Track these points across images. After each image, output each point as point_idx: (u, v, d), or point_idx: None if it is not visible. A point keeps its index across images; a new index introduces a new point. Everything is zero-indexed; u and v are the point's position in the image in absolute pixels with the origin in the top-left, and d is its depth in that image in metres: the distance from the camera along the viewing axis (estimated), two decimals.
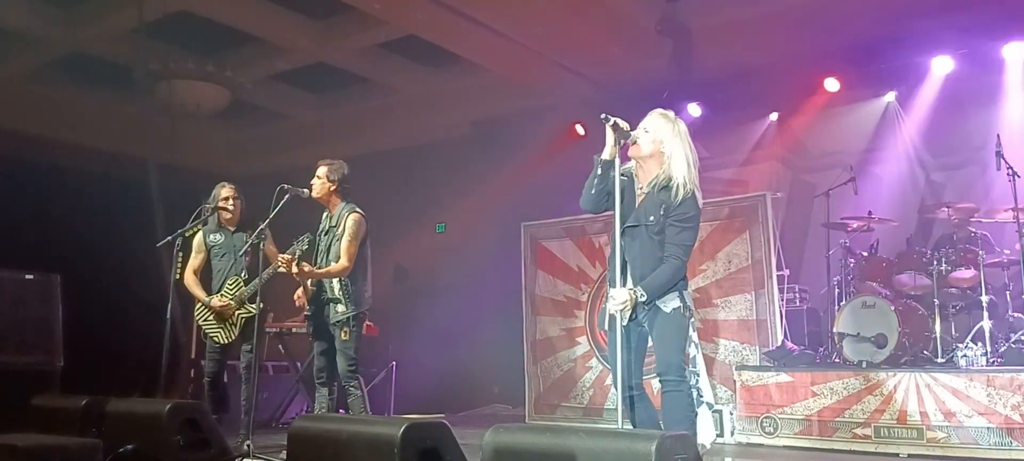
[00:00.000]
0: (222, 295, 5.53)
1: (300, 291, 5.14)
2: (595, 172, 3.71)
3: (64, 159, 8.72)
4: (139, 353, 7.28)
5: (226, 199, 5.63)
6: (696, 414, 3.64)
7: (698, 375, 3.69)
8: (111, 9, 7.42)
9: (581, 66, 8.19)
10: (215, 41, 8.02)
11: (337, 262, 5.01)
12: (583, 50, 7.87)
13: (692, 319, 3.67)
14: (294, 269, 4.89)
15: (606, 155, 3.67)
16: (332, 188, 5.16)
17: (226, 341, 5.55)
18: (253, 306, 5.46)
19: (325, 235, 5.18)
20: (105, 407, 4.71)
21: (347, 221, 5.07)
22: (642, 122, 3.76)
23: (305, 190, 5.14)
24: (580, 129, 8.66)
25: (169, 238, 5.43)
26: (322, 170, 5.17)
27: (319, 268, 5.05)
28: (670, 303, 3.60)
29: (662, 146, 3.67)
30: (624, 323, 3.51)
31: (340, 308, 5.03)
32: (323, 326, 5.10)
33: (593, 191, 3.74)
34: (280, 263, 5.03)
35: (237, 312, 5.52)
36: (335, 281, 5.05)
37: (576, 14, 7.32)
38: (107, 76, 8.48)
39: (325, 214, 5.26)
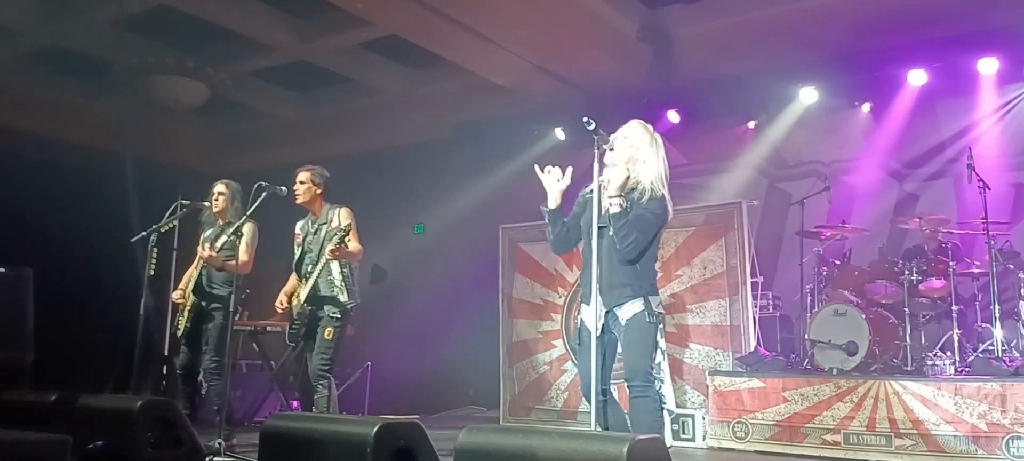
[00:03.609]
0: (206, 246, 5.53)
1: (283, 298, 5.20)
2: (547, 222, 3.83)
3: (40, 152, 8.63)
4: (112, 349, 7.23)
5: (214, 194, 5.67)
6: (663, 418, 3.68)
7: (662, 381, 3.72)
8: (91, 2, 7.35)
9: (563, 71, 8.21)
10: (195, 37, 7.97)
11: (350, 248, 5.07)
12: (565, 55, 7.91)
13: (660, 325, 3.71)
14: (331, 246, 4.93)
15: (551, 204, 3.80)
16: (318, 191, 5.26)
17: (181, 331, 5.55)
18: (212, 303, 5.43)
19: (313, 235, 5.23)
20: (75, 403, 4.66)
21: (341, 214, 5.19)
22: (620, 129, 3.82)
23: (283, 188, 5.16)
24: (560, 133, 8.69)
25: (144, 233, 5.41)
26: (305, 176, 5.26)
27: (315, 267, 5.08)
28: (631, 309, 3.64)
29: (637, 153, 3.74)
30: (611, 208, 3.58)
31: (342, 298, 5.09)
32: (314, 325, 5.11)
33: (553, 237, 3.87)
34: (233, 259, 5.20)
35: (186, 303, 5.53)
36: (337, 273, 5.10)
37: (558, 19, 7.35)
38: (85, 70, 8.41)
39: (308, 218, 5.33)
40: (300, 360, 5.83)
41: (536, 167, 3.78)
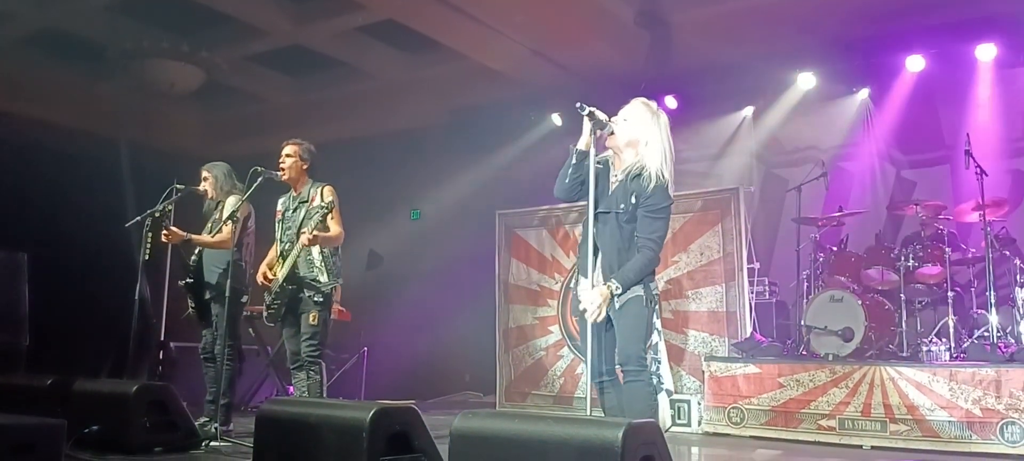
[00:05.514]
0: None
1: (264, 269, 5.04)
2: (570, 161, 3.69)
3: (34, 137, 8.58)
4: (107, 334, 7.23)
5: (202, 178, 5.57)
6: (657, 402, 3.66)
7: (659, 362, 3.71)
8: None
9: (559, 56, 8.19)
10: (190, 21, 7.92)
11: (329, 232, 4.85)
12: (562, 40, 7.88)
13: (656, 308, 3.67)
14: (306, 238, 4.72)
15: (581, 145, 3.65)
16: (304, 167, 5.08)
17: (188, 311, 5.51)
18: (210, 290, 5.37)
19: (292, 213, 5.06)
20: (71, 387, 4.67)
21: (324, 192, 4.99)
22: (623, 110, 3.75)
23: (279, 173, 5.07)
24: (557, 119, 8.67)
25: (139, 217, 5.37)
26: (292, 149, 5.07)
27: (292, 247, 4.88)
28: (626, 293, 3.58)
29: (640, 135, 3.64)
30: (600, 319, 3.51)
31: (322, 279, 4.92)
32: (294, 307, 4.95)
33: (567, 181, 3.71)
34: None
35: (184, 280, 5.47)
36: (316, 253, 4.93)
37: (555, 4, 7.32)
38: (80, 54, 8.35)
39: (289, 195, 5.16)
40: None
41: (579, 105, 3.59)
